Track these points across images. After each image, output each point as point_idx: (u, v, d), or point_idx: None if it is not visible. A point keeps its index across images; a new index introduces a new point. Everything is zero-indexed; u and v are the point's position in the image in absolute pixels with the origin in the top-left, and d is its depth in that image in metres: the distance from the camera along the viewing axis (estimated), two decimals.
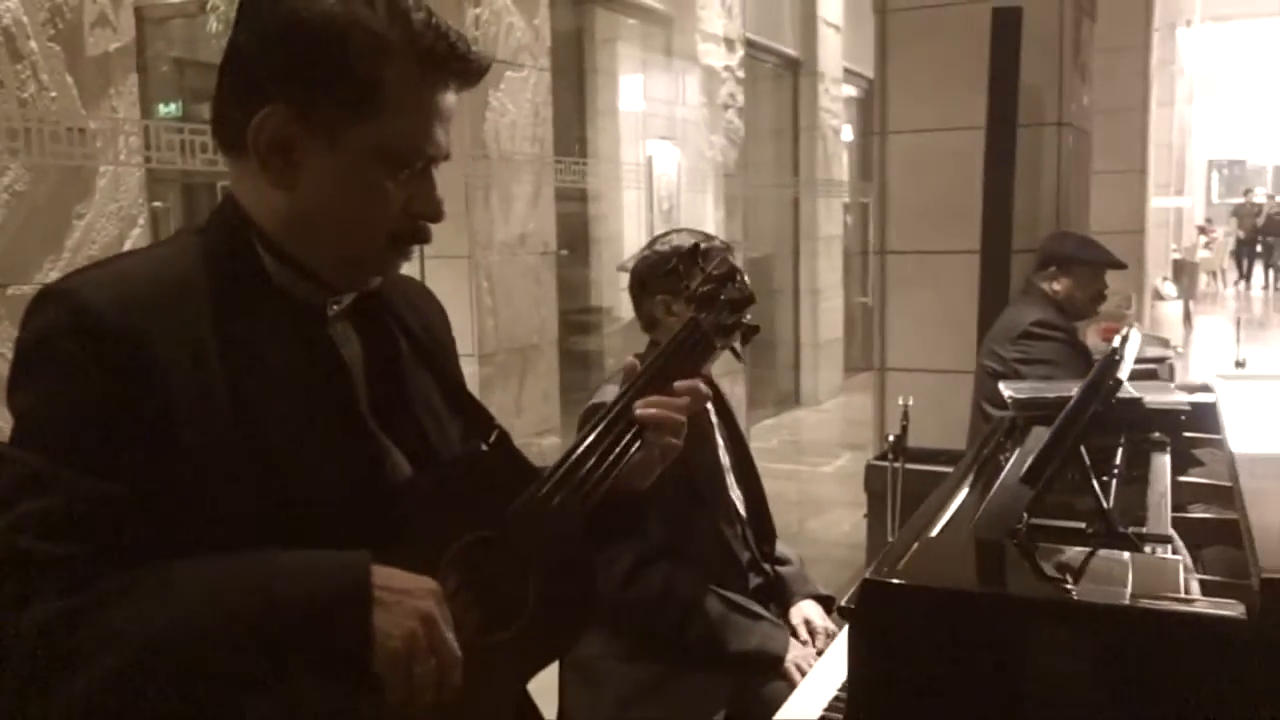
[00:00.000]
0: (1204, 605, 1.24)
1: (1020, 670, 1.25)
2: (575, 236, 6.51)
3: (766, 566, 2.29)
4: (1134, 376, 2.56)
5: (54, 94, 2.85)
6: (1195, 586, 1.51)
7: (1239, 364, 3.71)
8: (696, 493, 2.19)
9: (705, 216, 6.69)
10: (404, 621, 0.95)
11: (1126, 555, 1.44)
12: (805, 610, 2.26)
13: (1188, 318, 11.42)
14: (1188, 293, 11.93)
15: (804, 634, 2.22)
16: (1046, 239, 3.67)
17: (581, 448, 1.15)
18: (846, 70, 8.66)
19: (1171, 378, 4.54)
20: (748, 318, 1.34)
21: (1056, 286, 3.52)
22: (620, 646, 2.13)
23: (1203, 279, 17.46)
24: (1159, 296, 9.71)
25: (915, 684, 1.29)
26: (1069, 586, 1.26)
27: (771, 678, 2.11)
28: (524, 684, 1.19)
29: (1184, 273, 12.35)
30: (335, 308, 1.13)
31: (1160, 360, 5.62)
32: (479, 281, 4.79)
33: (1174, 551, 1.59)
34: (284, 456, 1.02)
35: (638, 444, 1.18)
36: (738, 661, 2.11)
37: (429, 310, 1.29)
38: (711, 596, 2.12)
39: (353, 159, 1.05)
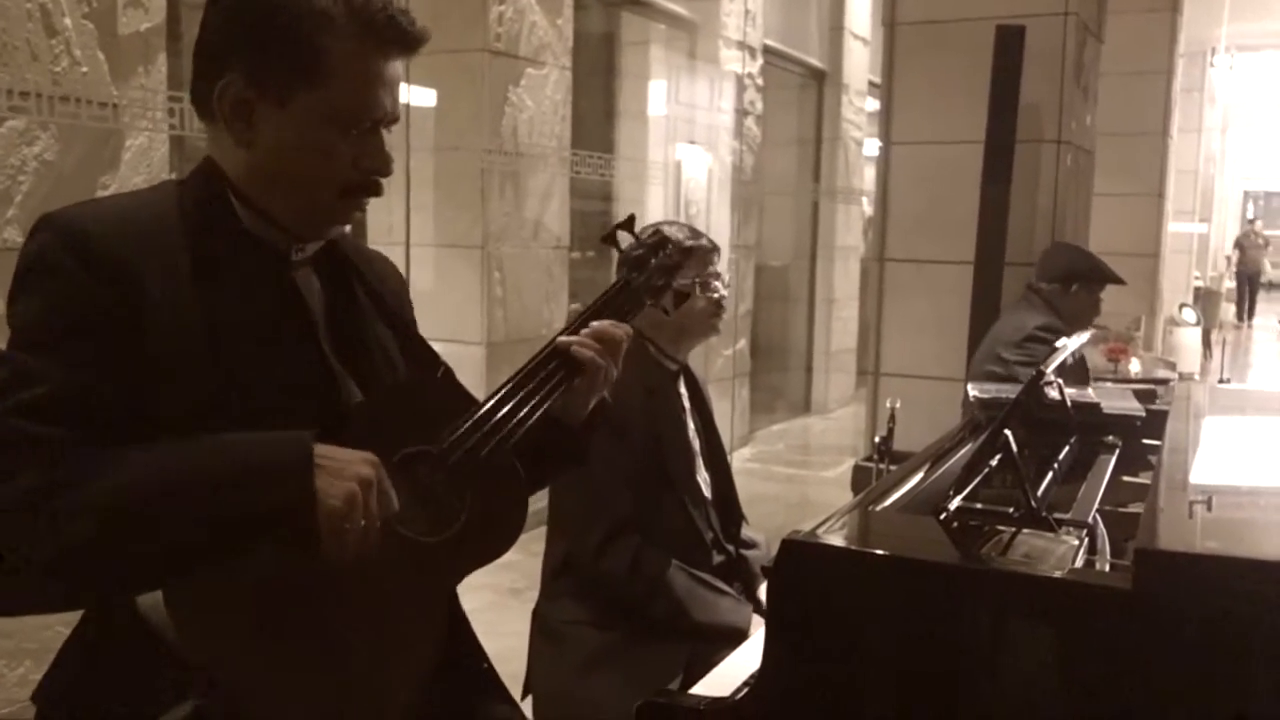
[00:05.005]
0: (1087, 575, 1.34)
1: (917, 629, 1.35)
2: (597, 237, 6.63)
3: (730, 547, 2.39)
4: (1136, 395, 2.68)
5: (85, 69, 3.00)
6: (1105, 568, 1.62)
7: (1223, 380, 3.80)
8: (666, 471, 2.29)
9: (722, 221, 6.80)
10: (344, 484, 1.08)
11: (1038, 535, 1.55)
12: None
13: (1207, 345, 11.38)
14: (1209, 320, 11.89)
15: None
16: (1065, 252, 3.72)
17: (516, 379, 1.30)
18: (872, 83, 8.74)
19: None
20: (679, 282, 1.50)
21: (1076, 302, 3.58)
22: (587, 613, 2.24)
23: (1231, 308, 17.30)
24: (1175, 323, 9.71)
25: (824, 637, 1.39)
26: (967, 554, 1.37)
27: (732, 648, 2.21)
28: (456, 583, 1.34)
29: (1205, 300, 12.31)
30: (300, 254, 1.28)
31: (1163, 382, 5.68)
32: (491, 272, 4.92)
33: (1094, 537, 1.69)
34: (245, 375, 1.16)
35: (566, 379, 1.33)
36: (702, 633, 2.22)
37: (389, 276, 1.45)
38: (678, 571, 2.22)
39: (302, 120, 1.20)
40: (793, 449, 7.78)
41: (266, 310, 1.22)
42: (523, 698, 2.30)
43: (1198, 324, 10.58)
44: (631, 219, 1.50)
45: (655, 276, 1.45)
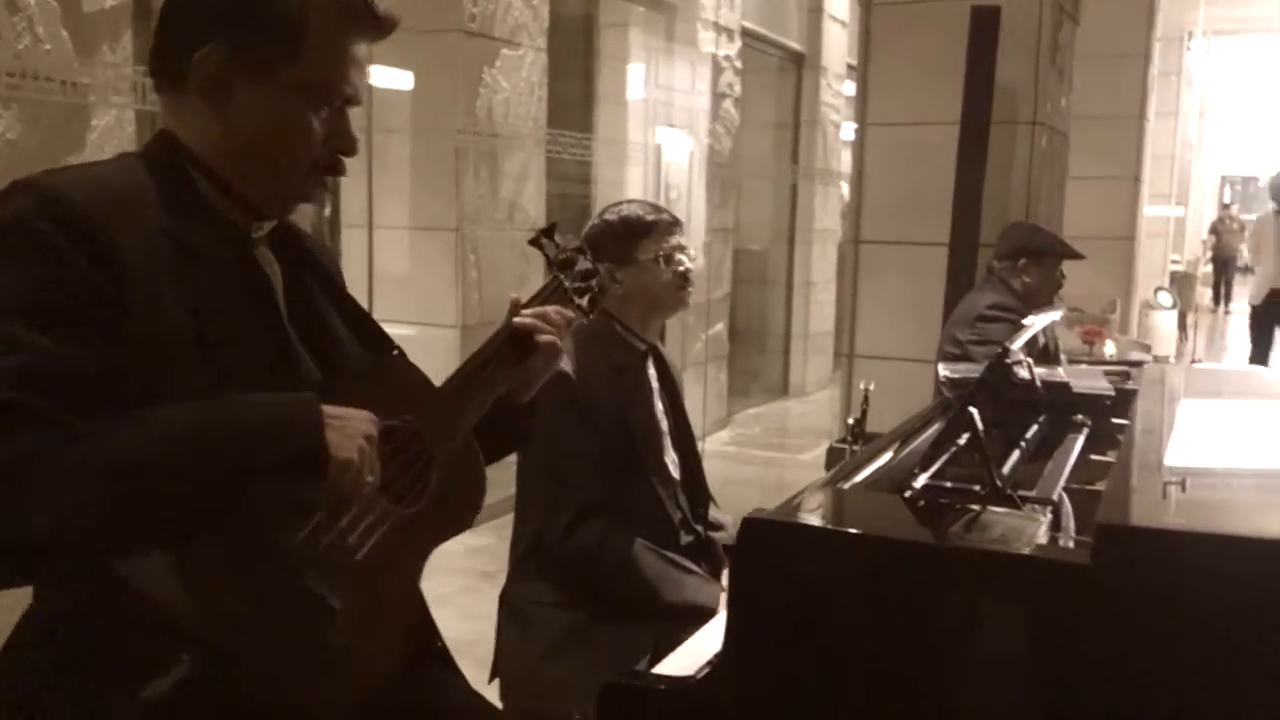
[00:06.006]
0: (1047, 551, 1.34)
1: (878, 606, 1.34)
2: (576, 220, 6.60)
3: (698, 528, 2.39)
4: (1111, 377, 2.68)
5: (48, 47, 2.95)
6: (1070, 544, 1.61)
7: (1195, 360, 3.83)
8: (634, 450, 2.28)
9: (699, 204, 6.78)
10: (354, 438, 1.12)
11: (1003, 512, 1.54)
12: None
13: (1183, 328, 11.44)
14: (1184, 304, 11.94)
15: None
16: (1016, 231, 3.71)
17: (477, 359, 1.34)
18: (850, 66, 8.71)
19: None
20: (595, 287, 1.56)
21: (1027, 279, 3.57)
22: (554, 594, 2.22)
23: (1208, 293, 17.38)
24: (1151, 306, 9.75)
25: (785, 614, 1.38)
26: (926, 531, 1.36)
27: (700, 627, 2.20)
28: (428, 554, 1.35)
29: (1181, 284, 12.36)
30: (258, 232, 1.28)
31: (1137, 364, 5.71)
32: (465, 254, 4.89)
33: (1059, 514, 1.69)
34: (221, 352, 1.16)
35: (519, 357, 1.38)
36: (670, 612, 2.21)
37: (325, 257, 1.45)
38: (646, 551, 2.21)
39: (282, 94, 1.21)
40: (770, 432, 7.78)
41: (236, 287, 1.22)
42: (490, 680, 2.29)
43: (1173, 307, 10.64)
44: (553, 227, 1.57)
45: (579, 280, 1.52)
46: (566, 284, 1.51)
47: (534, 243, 1.56)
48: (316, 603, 1.16)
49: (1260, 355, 8.48)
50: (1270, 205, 8.29)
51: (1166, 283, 11.58)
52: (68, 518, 1.00)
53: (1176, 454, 1.71)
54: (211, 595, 1.09)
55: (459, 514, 1.32)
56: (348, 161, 1.30)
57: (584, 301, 1.55)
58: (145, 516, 1.03)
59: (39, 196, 1.08)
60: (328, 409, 1.12)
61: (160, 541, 1.06)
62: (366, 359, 1.37)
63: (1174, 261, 13.39)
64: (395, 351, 1.39)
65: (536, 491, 2.26)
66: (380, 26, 1.27)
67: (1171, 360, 8.90)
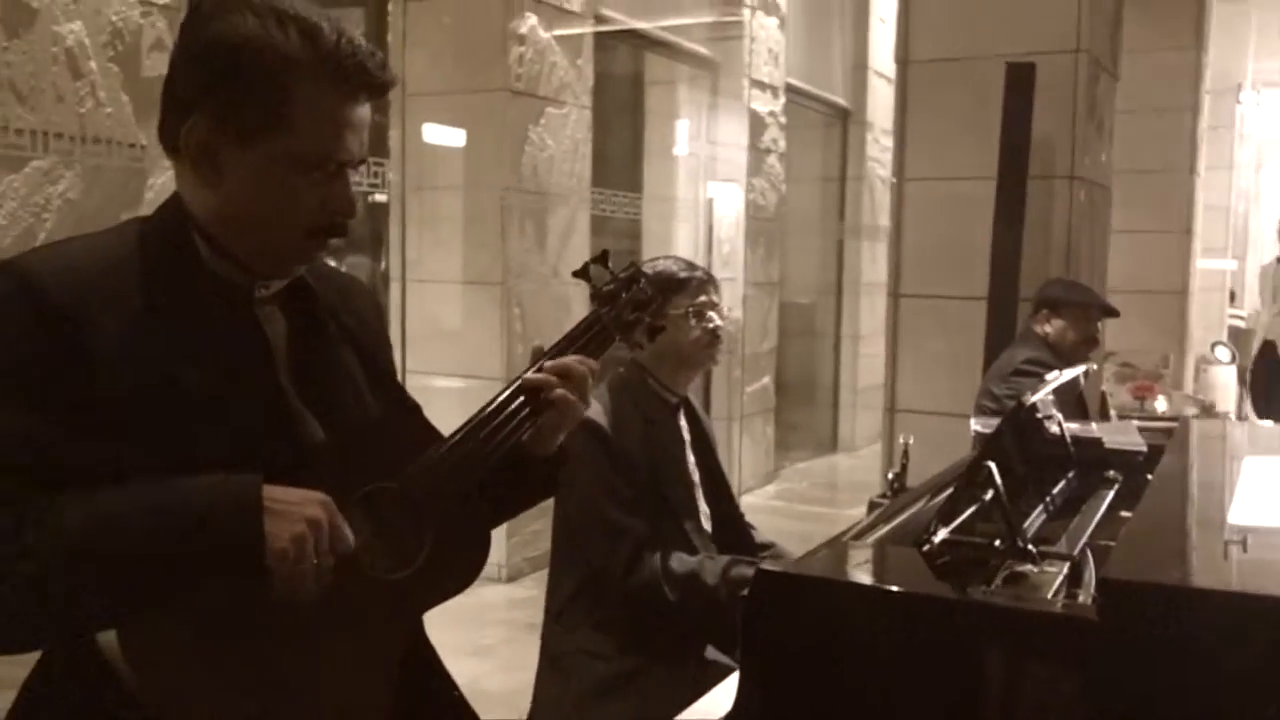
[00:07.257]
0: (1057, 605, 1.34)
1: (888, 659, 1.35)
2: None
3: None
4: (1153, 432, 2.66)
5: (109, 110, 3.09)
6: (1089, 601, 1.61)
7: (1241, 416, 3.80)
8: (666, 500, 2.30)
9: (744, 259, 6.83)
10: (293, 526, 1.09)
11: (1020, 567, 1.55)
12: None
13: (1244, 383, 11.20)
14: (1245, 358, 11.71)
15: None
16: (1051, 284, 3.79)
17: (480, 416, 1.30)
18: None
19: None
20: (650, 318, 1.47)
21: (1047, 328, 3.67)
22: (603, 644, 2.23)
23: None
24: (1208, 361, 9.58)
25: (797, 667, 1.39)
26: (936, 584, 1.37)
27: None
28: (419, 617, 1.34)
29: (1240, 338, 12.13)
30: (263, 291, 1.28)
31: (1177, 420, 5.63)
32: (511, 308, 4.97)
33: (1078, 570, 1.68)
34: (200, 415, 1.17)
35: (533, 412, 1.32)
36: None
37: (362, 302, 1.45)
38: (705, 560, 2.23)
39: (267, 162, 1.20)
40: (818, 487, 7.75)
41: (224, 349, 1.21)
42: None
43: (1232, 362, 10.43)
44: (605, 254, 1.47)
45: (625, 311, 1.43)
46: (606, 318, 1.41)
47: (580, 274, 1.46)
48: (282, 672, 1.16)
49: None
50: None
51: (1225, 337, 11.37)
52: (17, 593, 1.04)
53: (1236, 512, 1.68)
54: (151, 669, 1.10)
55: (456, 576, 1.28)
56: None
57: (639, 334, 1.45)
58: (83, 600, 1.06)
59: (17, 281, 1.13)
60: (271, 493, 1.10)
61: (104, 625, 1.09)
62: (370, 418, 1.34)
63: (1234, 316, 13.14)
64: (409, 408, 1.38)
65: (585, 539, 2.27)
66: (375, 86, 1.24)
67: (1231, 416, 8.72)
